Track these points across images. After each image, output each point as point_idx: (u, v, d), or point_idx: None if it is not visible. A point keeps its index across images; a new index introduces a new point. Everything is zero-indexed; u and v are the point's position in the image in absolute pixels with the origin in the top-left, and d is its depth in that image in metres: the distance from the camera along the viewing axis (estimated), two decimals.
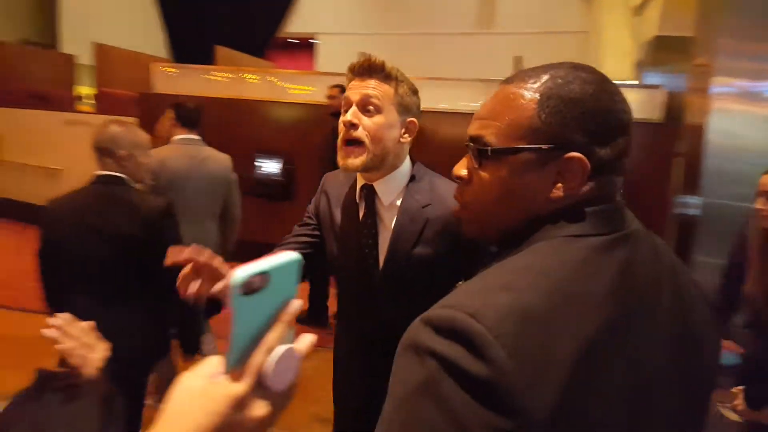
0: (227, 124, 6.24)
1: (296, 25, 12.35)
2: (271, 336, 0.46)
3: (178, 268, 1.10)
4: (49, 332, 0.89)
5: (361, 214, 1.41)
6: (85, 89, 10.16)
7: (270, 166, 6.05)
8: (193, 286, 1.10)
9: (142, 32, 12.52)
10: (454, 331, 0.54)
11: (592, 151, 0.66)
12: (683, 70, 4.77)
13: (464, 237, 0.77)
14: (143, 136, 2.09)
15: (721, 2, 3.75)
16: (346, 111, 1.33)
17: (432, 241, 1.34)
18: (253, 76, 6.94)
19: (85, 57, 9.44)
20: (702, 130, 3.77)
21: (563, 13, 9.80)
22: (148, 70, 7.03)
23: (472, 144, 0.74)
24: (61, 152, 6.80)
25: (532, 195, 0.69)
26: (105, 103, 7.80)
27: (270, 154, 6.05)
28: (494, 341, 0.52)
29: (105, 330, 1.08)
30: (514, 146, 0.69)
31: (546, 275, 0.60)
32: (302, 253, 1.34)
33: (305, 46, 13.22)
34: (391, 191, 1.39)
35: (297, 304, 0.49)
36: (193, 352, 2.12)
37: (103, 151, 1.99)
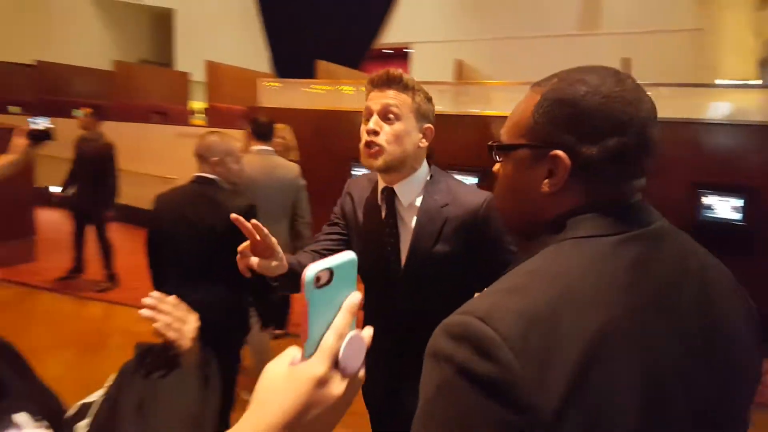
0: (325, 134, 6.45)
1: (391, 35, 12.55)
2: (341, 323, 0.51)
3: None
4: (145, 312, 0.96)
5: (383, 215, 1.50)
6: (197, 104, 10.96)
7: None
8: (249, 261, 1.22)
9: (250, 50, 13.31)
10: (465, 335, 0.58)
11: (578, 149, 0.69)
12: None
13: (482, 234, 0.81)
14: (235, 145, 2.40)
15: None
16: (368, 120, 1.42)
17: (451, 239, 1.42)
18: (349, 88, 7.12)
19: (198, 74, 10.18)
20: None
21: (675, 11, 9.14)
22: (255, 86, 7.44)
23: (492, 142, 0.80)
24: (175, 162, 7.37)
25: (530, 189, 0.74)
26: (215, 117, 8.35)
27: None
28: (502, 343, 0.56)
29: (193, 305, 1.19)
30: (514, 143, 0.75)
31: (553, 278, 0.63)
32: (331, 249, 1.54)
33: (400, 56, 13.39)
34: (410, 192, 1.47)
35: (358, 296, 0.53)
36: (271, 325, 2.35)
37: (201, 157, 2.33)
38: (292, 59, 12.26)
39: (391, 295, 1.48)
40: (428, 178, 1.51)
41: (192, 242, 2.20)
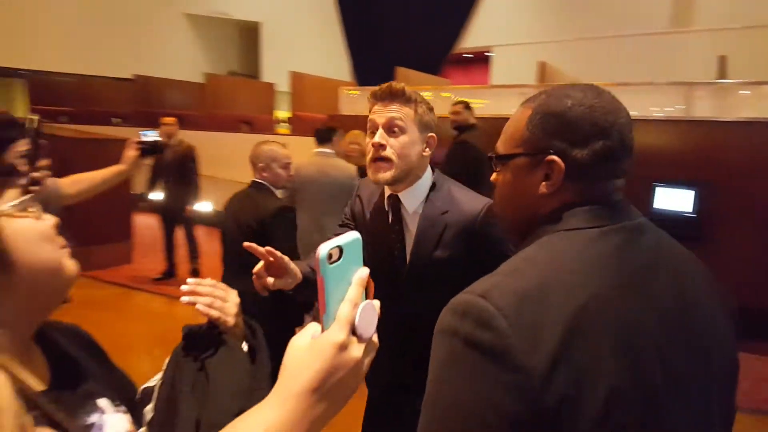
0: None
1: (471, 39, 12.36)
2: (354, 294, 0.57)
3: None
4: (185, 298, 0.97)
5: (390, 220, 1.58)
6: (282, 113, 11.33)
7: None
8: (265, 281, 1.31)
9: (332, 60, 13.60)
10: (468, 310, 0.67)
11: (569, 153, 0.79)
12: None
13: (481, 240, 0.92)
14: (280, 152, 2.62)
15: None
16: (373, 133, 1.47)
17: (451, 244, 1.48)
18: (428, 94, 7.06)
19: (283, 84, 10.53)
20: None
21: None
22: (336, 94, 7.56)
23: (491, 154, 0.91)
24: None
25: (528, 193, 0.83)
26: (298, 125, 8.58)
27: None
28: (498, 314, 0.65)
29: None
30: (511, 153, 0.85)
31: (545, 263, 0.73)
32: None
33: (480, 60, 13.17)
34: (414, 200, 1.54)
35: (366, 271, 0.60)
36: (298, 322, 2.58)
37: (252, 164, 2.63)
38: (372, 67, 12.38)
39: (395, 296, 1.52)
40: (431, 185, 1.56)
41: (234, 238, 2.42)
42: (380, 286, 1.58)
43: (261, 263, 1.30)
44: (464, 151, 4.34)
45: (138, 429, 0.81)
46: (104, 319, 2.94)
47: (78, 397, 0.71)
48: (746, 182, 4.42)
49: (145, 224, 7.26)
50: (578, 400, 0.63)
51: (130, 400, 0.84)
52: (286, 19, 14.06)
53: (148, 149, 2.25)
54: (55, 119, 9.20)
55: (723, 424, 0.80)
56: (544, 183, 0.82)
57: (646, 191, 4.74)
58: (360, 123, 5.79)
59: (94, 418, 0.71)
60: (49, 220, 0.70)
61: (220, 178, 7.14)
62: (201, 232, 5.88)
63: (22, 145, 1.80)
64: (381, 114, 1.47)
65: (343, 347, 0.55)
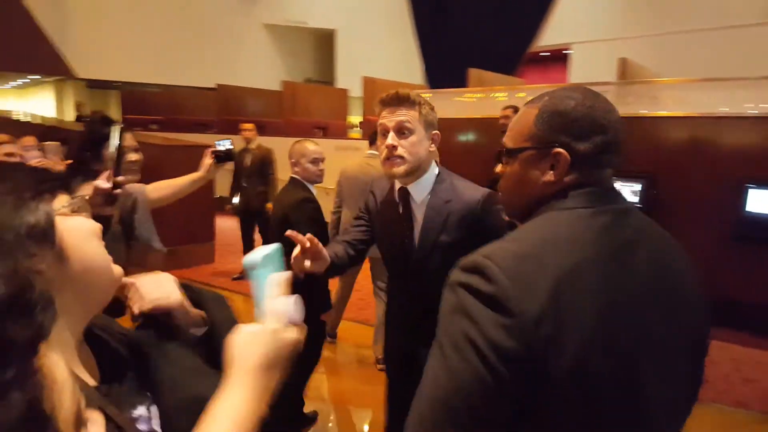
0: (475, 143, 6.35)
1: (548, 37, 12.02)
2: (274, 293, 0.73)
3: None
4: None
5: (400, 210, 1.76)
6: (355, 118, 11.50)
7: None
8: (303, 265, 1.50)
9: (405, 64, 13.67)
10: (474, 267, 0.81)
11: (573, 147, 0.91)
12: None
13: (481, 225, 1.06)
14: (310, 148, 2.83)
15: None
16: (384, 136, 1.66)
17: (453, 229, 1.66)
18: (502, 95, 6.93)
19: (356, 90, 10.71)
20: None
21: None
22: None
23: (501, 149, 1.04)
24: (332, 174, 7.79)
25: (535, 182, 0.95)
26: (370, 130, 8.68)
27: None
28: (498, 270, 0.78)
29: None
30: (520, 146, 0.97)
31: (542, 233, 0.87)
32: (360, 239, 1.84)
33: (558, 58, 12.78)
34: (421, 191, 1.73)
35: (285, 274, 0.75)
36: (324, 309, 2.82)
37: (289, 161, 2.89)
38: (444, 69, 12.33)
39: (406, 277, 1.75)
40: (436, 177, 1.75)
41: (271, 228, 2.82)
42: (393, 268, 1.85)
43: (298, 248, 1.47)
44: None
45: None
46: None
47: (125, 391, 0.74)
48: None
49: (227, 226, 7.59)
50: (561, 345, 0.76)
51: None
52: (360, 25, 14.29)
53: (222, 157, 2.39)
54: (145, 127, 9.84)
55: (690, 387, 0.94)
56: (550, 172, 0.94)
57: (736, 193, 4.42)
58: None
59: (140, 410, 0.74)
60: (95, 225, 0.73)
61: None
62: None
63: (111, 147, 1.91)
64: (390, 118, 1.66)
65: (277, 332, 0.71)
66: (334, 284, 4.50)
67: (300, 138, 3.01)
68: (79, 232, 0.68)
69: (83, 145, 2.00)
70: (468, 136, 6.40)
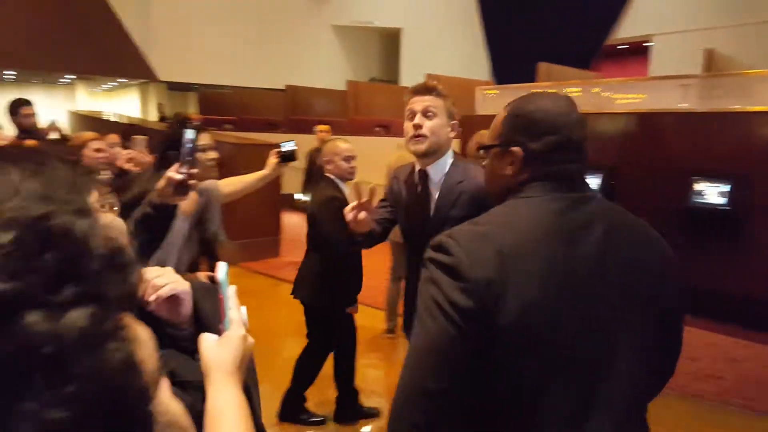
0: None
1: (627, 29, 11.43)
2: (236, 304, 0.84)
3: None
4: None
5: (419, 190, 1.99)
6: None
7: (591, 182, 5.63)
8: (359, 214, 1.73)
9: (470, 60, 13.46)
10: (439, 245, 0.99)
11: (527, 146, 1.08)
12: None
13: (487, 204, 1.17)
14: (342, 146, 2.96)
15: None
16: (412, 119, 1.89)
17: (464, 206, 1.87)
18: (576, 89, 6.65)
19: None
20: None
21: None
22: (473, 94, 7.45)
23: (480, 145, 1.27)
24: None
25: (501, 174, 1.12)
26: None
27: (591, 168, 5.64)
28: (456, 246, 0.97)
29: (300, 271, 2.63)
30: (490, 144, 1.15)
31: (501, 217, 1.06)
32: (385, 218, 2.07)
33: (637, 51, 12.14)
34: (438, 173, 1.95)
35: (234, 288, 0.85)
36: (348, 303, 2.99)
37: (323, 160, 3.01)
38: (512, 65, 12.01)
39: (423, 248, 1.78)
40: (451, 162, 1.97)
41: (307, 222, 3.04)
42: (412, 243, 2.09)
43: (351, 206, 1.76)
44: None
45: None
46: (253, 306, 3.25)
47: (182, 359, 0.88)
48: None
49: (293, 222, 7.75)
50: (507, 304, 0.93)
51: None
52: (426, 23, 14.19)
53: (285, 157, 2.53)
54: (220, 127, 10.23)
55: (658, 355, 1.06)
56: (510, 167, 1.10)
57: None
58: None
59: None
60: (123, 223, 0.82)
61: (359, 181, 7.39)
62: None
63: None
64: (419, 103, 1.89)
65: (244, 337, 0.82)
66: (374, 284, 4.48)
67: (334, 137, 3.22)
68: (112, 231, 0.70)
69: (166, 144, 2.10)
70: None
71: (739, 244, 4.85)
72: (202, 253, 2.34)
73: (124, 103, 18.87)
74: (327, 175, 2.97)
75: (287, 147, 2.54)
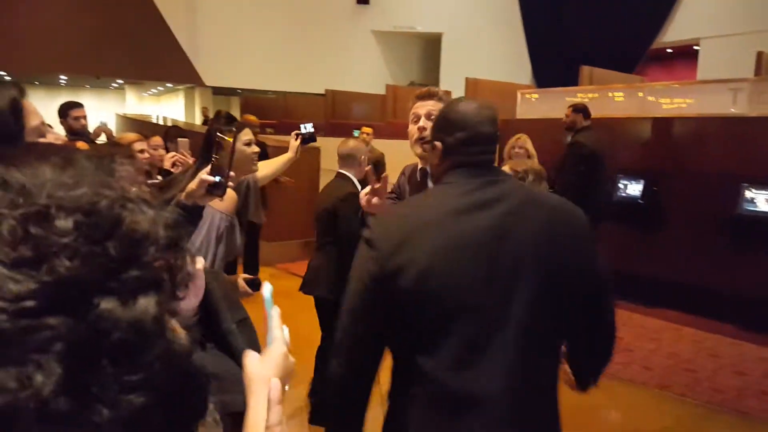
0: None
1: (674, 32, 11.11)
2: (279, 323, 0.88)
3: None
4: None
5: (419, 187, 2.07)
6: None
7: (632, 188, 5.50)
8: (371, 199, 1.82)
9: (510, 64, 13.33)
10: (367, 224, 1.28)
11: (444, 139, 1.34)
12: None
13: None
14: (361, 147, 3.18)
15: None
16: (416, 122, 2.00)
17: None
18: (619, 93, 6.50)
19: (460, 92, 10.59)
20: None
21: None
22: (514, 98, 7.38)
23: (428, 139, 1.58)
24: None
25: (434, 164, 1.41)
26: None
27: (634, 174, 5.51)
28: (375, 223, 1.26)
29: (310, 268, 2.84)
30: (430, 140, 1.43)
31: (418, 199, 1.46)
32: None
33: (685, 55, 11.78)
34: None
35: (278, 309, 0.89)
36: None
37: (338, 158, 3.20)
38: (554, 68, 11.84)
39: None
40: None
41: (318, 219, 3.13)
42: None
43: (368, 188, 1.83)
44: (576, 150, 4.57)
45: None
46: (288, 307, 3.33)
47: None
48: None
49: None
50: (407, 271, 1.16)
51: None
52: (467, 27, 14.13)
53: (306, 138, 2.73)
54: (262, 130, 10.44)
55: (531, 312, 1.18)
56: (437, 158, 1.36)
57: None
58: (537, 127, 5.54)
59: None
60: None
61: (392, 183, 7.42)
62: None
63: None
64: (423, 107, 2.01)
65: (286, 355, 0.86)
66: None
67: (397, 139, 3.34)
68: (166, 220, 0.74)
69: (207, 142, 2.16)
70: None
71: None
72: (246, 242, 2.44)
73: (170, 106, 19.47)
74: (343, 172, 3.15)
75: (307, 129, 2.73)
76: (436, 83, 14.54)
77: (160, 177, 3.24)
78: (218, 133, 1.75)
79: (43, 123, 1.12)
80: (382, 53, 15.44)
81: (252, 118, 6.04)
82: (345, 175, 3.13)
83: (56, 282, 0.37)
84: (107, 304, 0.38)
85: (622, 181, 5.52)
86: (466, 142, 1.29)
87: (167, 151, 3.72)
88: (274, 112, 12.63)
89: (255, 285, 2.05)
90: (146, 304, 0.40)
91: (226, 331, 1.10)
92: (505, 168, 2.94)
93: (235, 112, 15.22)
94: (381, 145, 6.88)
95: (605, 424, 3.47)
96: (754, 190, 4.73)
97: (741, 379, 3.85)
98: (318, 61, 14.36)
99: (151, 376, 0.39)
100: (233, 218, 2.28)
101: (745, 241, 4.79)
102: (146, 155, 3.33)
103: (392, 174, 3.10)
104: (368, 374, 1.27)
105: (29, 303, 0.35)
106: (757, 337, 4.46)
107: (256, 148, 2.28)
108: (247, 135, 2.20)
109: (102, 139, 5.82)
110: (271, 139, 8.20)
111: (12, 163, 0.43)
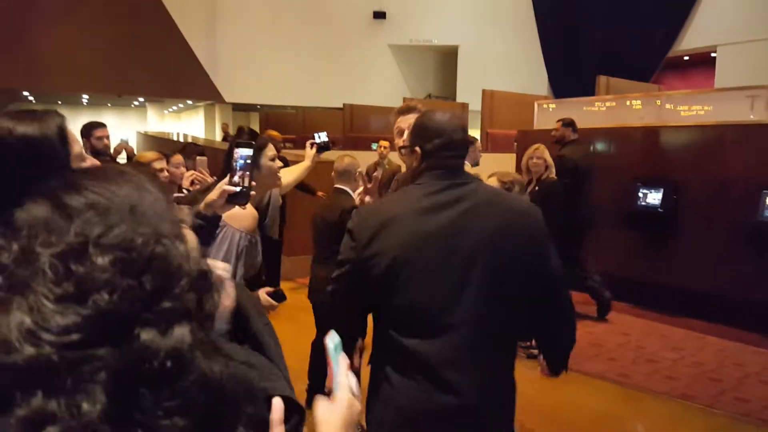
0: (605, 152, 6.00)
1: (691, 40, 11.05)
2: (345, 370, 0.91)
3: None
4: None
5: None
6: (474, 132, 11.39)
7: (652, 197, 5.47)
8: (364, 198, 2.17)
9: (526, 75, 13.35)
10: (352, 216, 1.59)
11: (423, 146, 1.54)
12: None
13: None
14: (355, 163, 3.37)
15: None
16: (401, 135, 2.13)
17: None
18: (637, 102, 6.50)
19: (476, 104, 10.64)
20: None
21: None
22: (531, 109, 7.41)
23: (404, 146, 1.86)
24: None
25: (411, 166, 1.62)
26: (488, 142, 8.58)
27: (653, 183, 5.48)
28: (357, 216, 1.55)
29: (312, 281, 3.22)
30: (407, 145, 1.65)
31: (394, 196, 1.73)
32: None
33: (702, 62, 11.70)
34: None
35: (346, 358, 0.93)
36: None
37: (335, 173, 3.39)
38: (571, 78, 11.83)
39: None
40: None
41: (322, 232, 3.34)
42: None
43: (361, 189, 2.23)
44: (561, 164, 4.69)
45: None
46: (308, 322, 3.42)
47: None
48: None
49: None
50: (379, 258, 1.43)
51: None
52: (483, 39, 14.20)
53: (321, 147, 2.83)
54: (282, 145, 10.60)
55: (483, 294, 1.42)
56: (416, 161, 1.56)
57: None
58: (580, 140, 5.49)
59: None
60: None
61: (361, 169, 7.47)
62: None
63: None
64: (405, 121, 2.13)
65: (351, 402, 0.88)
66: None
67: (344, 154, 3.53)
68: (191, 244, 0.78)
69: (229, 157, 2.22)
70: (600, 147, 6.05)
71: None
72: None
73: (190, 123, 19.80)
74: (341, 187, 3.34)
75: (321, 138, 2.84)
76: (453, 95, 14.62)
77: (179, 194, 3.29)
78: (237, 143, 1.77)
79: (82, 148, 1.17)
80: (399, 67, 15.57)
81: (275, 133, 6.11)
82: (343, 189, 3.31)
83: (99, 315, 0.39)
84: (147, 335, 0.40)
85: (641, 190, 5.49)
86: (442, 147, 1.51)
87: (187, 168, 3.78)
88: (293, 126, 12.79)
89: (278, 296, 2.08)
90: (182, 333, 0.42)
91: (257, 332, 1.15)
92: (492, 180, 3.02)
93: (255, 128, 15.48)
94: (394, 157, 6.95)
95: None
96: None
97: (766, 389, 3.80)
98: (336, 75, 14.54)
99: (188, 401, 0.41)
100: (253, 236, 2.34)
101: (766, 248, 4.74)
102: (166, 174, 3.36)
103: None
104: (354, 335, 1.67)
105: (75, 336, 0.38)
106: None
107: (279, 163, 2.36)
108: (271, 150, 2.27)
109: (122, 157, 5.89)
110: (291, 153, 8.32)
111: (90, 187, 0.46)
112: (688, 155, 5.39)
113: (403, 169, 2.99)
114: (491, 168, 3.82)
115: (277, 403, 0.70)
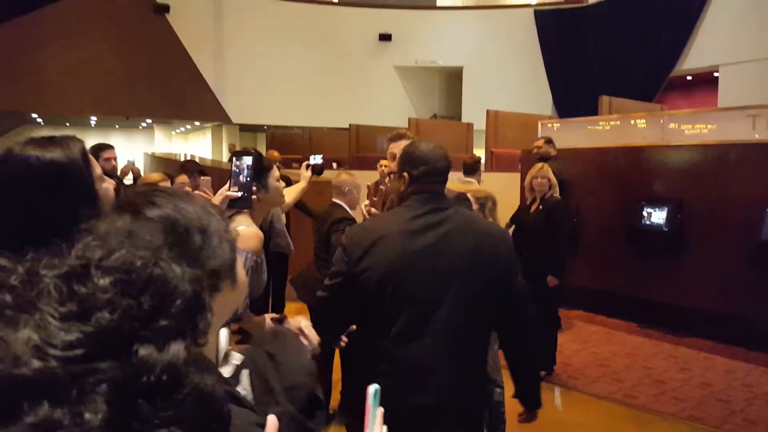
0: (610, 172, 6.02)
1: (694, 60, 11.13)
2: (380, 419, 0.94)
3: None
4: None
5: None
6: (478, 151, 11.46)
7: (656, 216, 5.47)
8: (369, 209, 2.40)
9: (531, 95, 13.44)
10: (345, 233, 1.86)
11: (411, 172, 1.74)
12: None
13: None
14: (351, 180, 3.62)
15: None
16: (393, 159, 2.33)
17: None
18: (640, 121, 6.54)
19: (481, 123, 10.71)
20: None
21: None
22: (536, 129, 7.46)
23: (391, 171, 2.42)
24: None
25: (399, 189, 1.81)
26: (492, 162, 8.63)
27: (658, 202, 5.49)
28: (349, 233, 1.80)
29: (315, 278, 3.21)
30: (395, 171, 1.95)
31: (384, 217, 2.01)
32: None
33: (705, 82, 11.76)
34: None
35: (381, 410, 0.94)
36: None
37: (334, 189, 3.62)
38: (574, 99, 11.92)
39: None
40: None
41: (317, 242, 3.59)
42: None
43: (368, 202, 2.44)
44: None
45: None
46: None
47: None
48: None
49: None
50: (370, 273, 1.63)
51: None
52: (488, 59, 14.34)
53: (317, 169, 2.94)
54: (288, 166, 10.67)
55: (458, 307, 1.64)
56: (403, 185, 1.76)
57: None
58: (559, 156, 5.55)
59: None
60: None
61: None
62: None
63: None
64: (396, 147, 2.34)
65: None
66: None
67: (341, 171, 3.75)
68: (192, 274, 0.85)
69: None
70: (601, 165, 6.08)
71: None
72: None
73: (198, 144, 20.01)
74: (337, 202, 3.56)
75: (316, 160, 2.96)
76: (458, 115, 14.73)
77: None
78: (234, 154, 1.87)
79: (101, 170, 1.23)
80: (405, 87, 15.72)
81: (275, 154, 6.21)
82: (338, 204, 3.58)
83: (101, 332, 0.42)
84: (145, 350, 0.43)
85: (646, 209, 5.50)
86: (427, 173, 1.72)
87: (192, 189, 3.85)
88: (300, 146, 12.91)
89: (282, 323, 2.12)
90: (177, 349, 0.44)
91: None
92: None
93: (261, 148, 15.61)
94: None
95: None
96: None
97: None
98: (342, 96, 14.70)
99: (183, 412, 0.44)
100: (259, 257, 2.38)
101: None
102: None
103: None
104: (337, 332, 1.90)
105: (79, 351, 0.41)
106: None
107: (284, 183, 2.43)
108: (276, 171, 2.34)
109: (129, 178, 5.95)
110: (295, 174, 8.39)
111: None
112: (692, 174, 5.40)
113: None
114: (495, 186, 3.85)
115: (271, 420, 0.71)
